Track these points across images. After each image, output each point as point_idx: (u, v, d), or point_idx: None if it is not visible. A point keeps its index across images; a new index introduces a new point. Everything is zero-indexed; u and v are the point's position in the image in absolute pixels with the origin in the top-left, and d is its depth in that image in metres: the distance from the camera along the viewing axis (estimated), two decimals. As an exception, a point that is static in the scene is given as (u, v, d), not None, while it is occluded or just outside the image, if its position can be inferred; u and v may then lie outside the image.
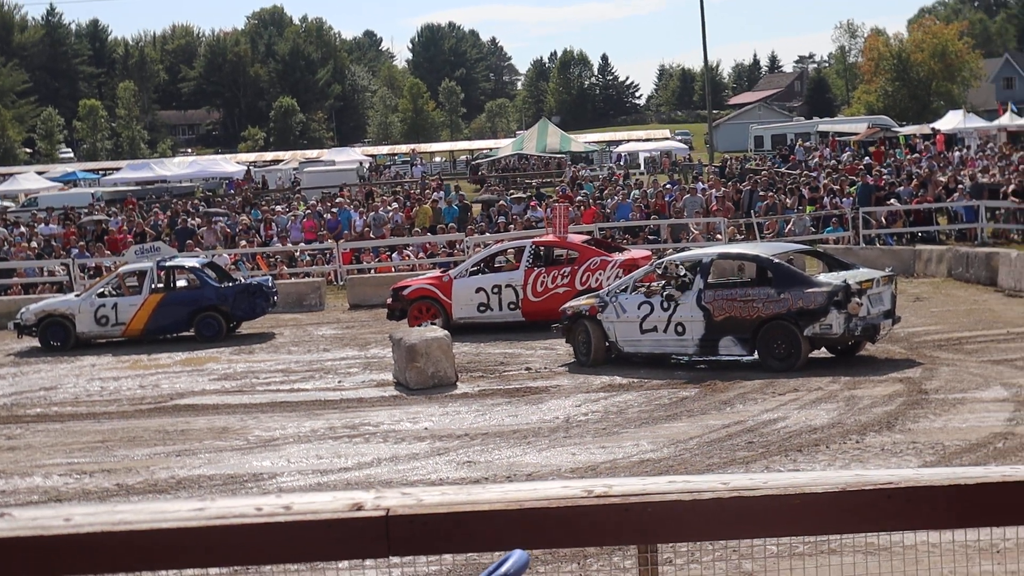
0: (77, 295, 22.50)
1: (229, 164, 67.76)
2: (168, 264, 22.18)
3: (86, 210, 43.33)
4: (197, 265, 22.47)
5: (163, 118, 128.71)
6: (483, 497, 2.91)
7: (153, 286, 21.65)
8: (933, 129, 55.59)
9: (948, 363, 14.61)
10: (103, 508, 2.94)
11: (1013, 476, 2.82)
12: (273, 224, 33.10)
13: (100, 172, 73.73)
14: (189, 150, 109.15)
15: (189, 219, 34.89)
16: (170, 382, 17.15)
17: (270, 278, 24.07)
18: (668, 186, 37.52)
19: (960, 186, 31.17)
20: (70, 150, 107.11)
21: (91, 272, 28.59)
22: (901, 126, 63.14)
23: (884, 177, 34.35)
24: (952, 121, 57.73)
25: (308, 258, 30.07)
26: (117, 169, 70.11)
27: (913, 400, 12.52)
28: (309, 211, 34.38)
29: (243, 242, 30.73)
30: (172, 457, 12.15)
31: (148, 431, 13.54)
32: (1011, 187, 28.98)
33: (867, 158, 44.59)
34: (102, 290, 21.99)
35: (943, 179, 32.66)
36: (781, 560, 5.34)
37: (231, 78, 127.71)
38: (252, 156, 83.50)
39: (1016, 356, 14.77)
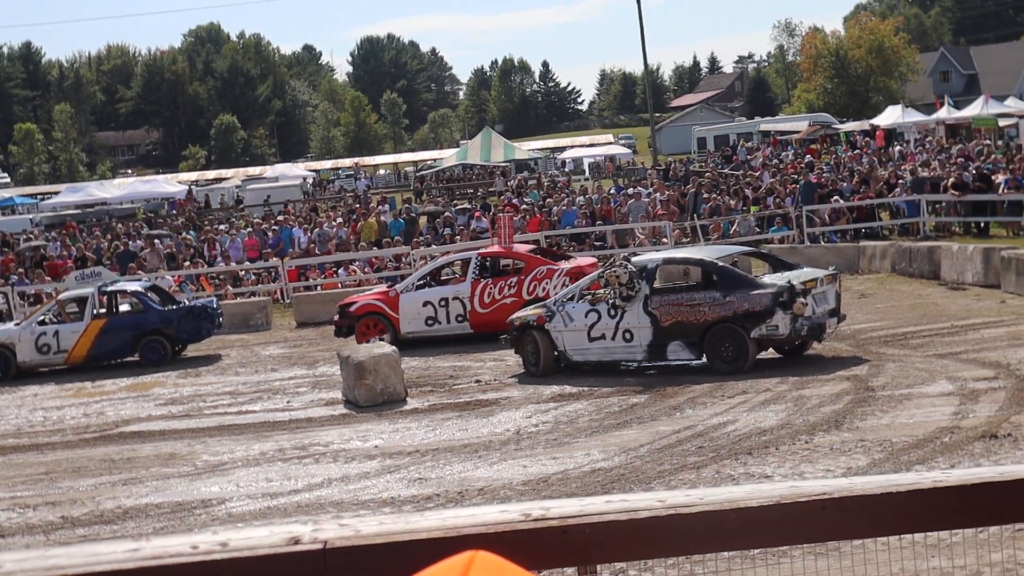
0: (17, 324, 22.10)
1: (170, 184, 67.11)
2: (110, 289, 21.88)
3: (24, 236, 42.70)
4: (140, 289, 22.19)
5: (101, 140, 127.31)
6: (421, 525, 2.87)
7: (95, 311, 21.34)
8: (872, 125, 56.31)
9: (894, 359, 14.75)
10: (35, 554, 2.86)
11: (944, 481, 2.83)
12: (216, 244, 32.82)
13: (38, 197, 72.67)
14: (129, 171, 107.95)
15: (130, 241, 34.48)
16: (115, 409, 16.90)
17: (215, 299, 23.86)
18: (613, 191, 37.66)
19: (901, 181, 31.55)
20: (7, 175, 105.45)
21: (31, 299, 28.14)
22: (841, 123, 63.91)
23: (825, 175, 34.73)
24: (891, 116, 58.59)
25: (253, 277, 29.82)
26: (55, 193, 69.15)
27: (860, 398, 12.62)
28: (251, 229, 34.12)
29: (187, 263, 30.42)
30: (118, 486, 11.96)
31: (93, 460, 13.32)
32: (951, 180, 29.38)
33: (808, 156, 45.12)
34: (43, 318, 21.64)
35: (884, 174, 33.06)
36: (733, 566, 5.34)
37: (169, 97, 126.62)
38: (194, 175, 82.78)
39: (960, 349, 14.94)
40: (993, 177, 29.62)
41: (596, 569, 2.92)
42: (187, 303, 22.28)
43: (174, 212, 54.73)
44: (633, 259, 16.15)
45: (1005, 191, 28.43)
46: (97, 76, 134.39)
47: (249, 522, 9.98)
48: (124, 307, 21.88)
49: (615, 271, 15.76)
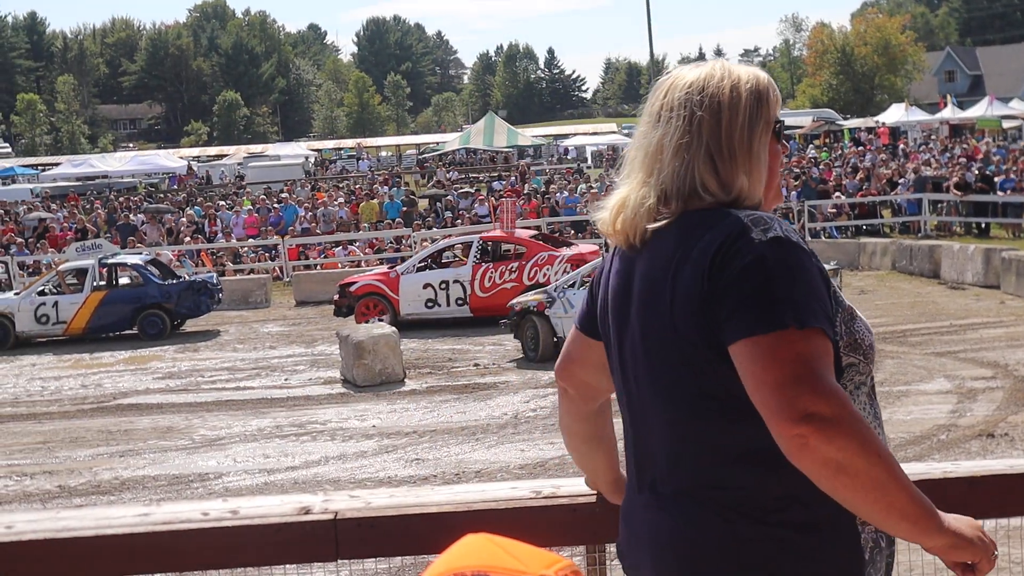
0: (16, 293, 22.12)
1: (171, 159, 66.92)
2: (110, 261, 21.87)
3: (24, 207, 42.65)
4: (140, 262, 22.18)
5: (103, 112, 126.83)
6: (431, 499, 2.89)
7: (95, 284, 21.34)
8: (877, 122, 56.25)
9: (892, 356, 14.77)
10: (46, 515, 2.88)
11: (954, 472, 2.85)
12: (217, 220, 32.80)
13: (39, 168, 72.48)
14: (131, 145, 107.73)
15: (131, 215, 34.47)
16: (113, 381, 16.92)
17: (215, 275, 23.85)
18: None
19: (903, 179, 31.57)
20: (8, 145, 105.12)
21: (30, 270, 28.14)
22: (845, 119, 63.83)
23: (829, 170, 34.75)
24: (895, 114, 58.50)
25: (253, 254, 29.82)
26: (56, 164, 68.97)
27: (858, 392, 12.62)
28: (252, 207, 34.10)
29: (187, 238, 30.41)
30: (116, 458, 11.98)
31: (91, 431, 13.34)
32: (953, 180, 29.40)
33: (812, 151, 45.10)
34: (42, 288, 21.63)
35: (887, 172, 33.07)
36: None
37: (173, 72, 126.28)
38: (195, 151, 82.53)
39: (959, 348, 14.97)
40: (995, 178, 29.66)
41: (605, 548, 2.94)
42: (187, 278, 22.28)
43: (175, 187, 54.68)
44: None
45: (1007, 192, 28.48)
46: (101, 48, 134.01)
47: (248, 496, 10.00)
48: (124, 280, 21.87)
49: None
